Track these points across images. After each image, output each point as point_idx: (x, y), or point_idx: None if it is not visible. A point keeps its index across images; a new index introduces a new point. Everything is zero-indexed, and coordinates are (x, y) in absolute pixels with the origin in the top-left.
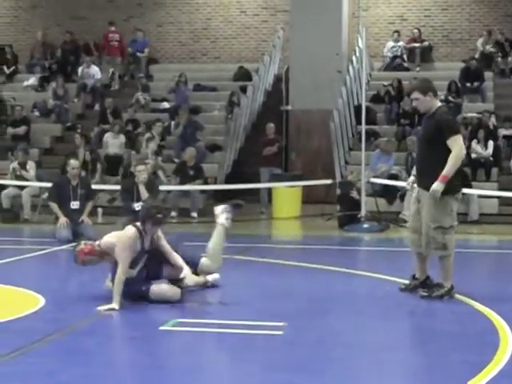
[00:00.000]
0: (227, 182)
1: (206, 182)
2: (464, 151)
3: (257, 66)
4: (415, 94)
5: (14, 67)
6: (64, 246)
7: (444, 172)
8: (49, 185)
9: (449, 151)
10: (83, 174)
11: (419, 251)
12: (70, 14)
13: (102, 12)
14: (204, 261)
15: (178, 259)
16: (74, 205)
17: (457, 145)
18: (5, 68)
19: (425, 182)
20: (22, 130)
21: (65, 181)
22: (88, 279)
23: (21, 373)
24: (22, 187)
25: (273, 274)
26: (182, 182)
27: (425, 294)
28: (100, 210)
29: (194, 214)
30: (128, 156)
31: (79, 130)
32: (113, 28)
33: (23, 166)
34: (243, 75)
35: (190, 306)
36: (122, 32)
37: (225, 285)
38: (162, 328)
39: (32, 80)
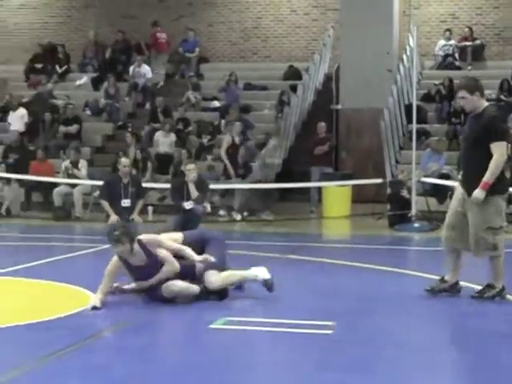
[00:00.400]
0: (277, 181)
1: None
2: (505, 157)
3: (307, 65)
4: (462, 93)
5: (66, 66)
6: None
7: (485, 179)
8: (100, 183)
9: (491, 154)
10: (134, 172)
11: (455, 247)
12: (121, 13)
13: (153, 11)
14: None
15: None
16: (125, 203)
17: (499, 150)
18: (57, 67)
19: (468, 185)
20: (73, 128)
21: (116, 179)
22: None
23: (73, 369)
24: (73, 185)
25: (323, 273)
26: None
27: (476, 294)
28: (150, 209)
29: (245, 213)
30: (178, 155)
31: (130, 129)
32: (158, 28)
33: (75, 164)
34: (293, 74)
35: (240, 304)
36: (172, 31)
37: (275, 283)
38: (211, 326)
39: (84, 79)
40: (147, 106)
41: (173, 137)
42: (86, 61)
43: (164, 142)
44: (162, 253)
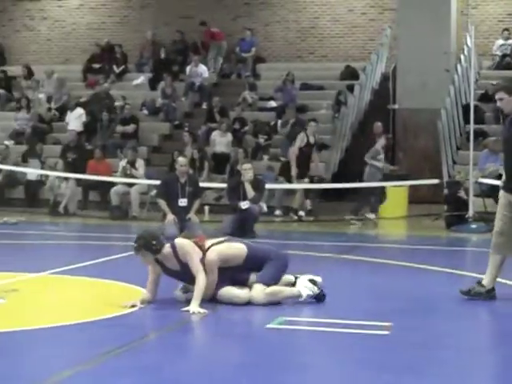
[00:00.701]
0: (334, 181)
1: (311, 181)
2: None
3: (364, 65)
4: (500, 94)
5: (123, 66)
6: None
7: None
8: (157, 182)
9: None
10: (191, 171)
11: (504, 253)
12: (178, 13)
13: (210, 11)
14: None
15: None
16: (182, 202)
17: None
18: (114, 67)
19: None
20: (130, 128)
21: (173, 178)
22: None
23: (130, 368)
24: (130, 184)
25: (379, 273)
26: (287, 181)
27: None
28: (207, 208)
29: (301, 213)
30: (235, 154)
31: (187, 129)
32: (207, 27)
33: (133, 164)
34: (350, 74)
35: (296, 305)
36: (229, 31)
37: (331, 284)
38: (268, 326)
39: (141, 79)
40: (204, 105)
41: (229, 136)
42: (143, 61)
43: (221, 141)
44: (194, 266)
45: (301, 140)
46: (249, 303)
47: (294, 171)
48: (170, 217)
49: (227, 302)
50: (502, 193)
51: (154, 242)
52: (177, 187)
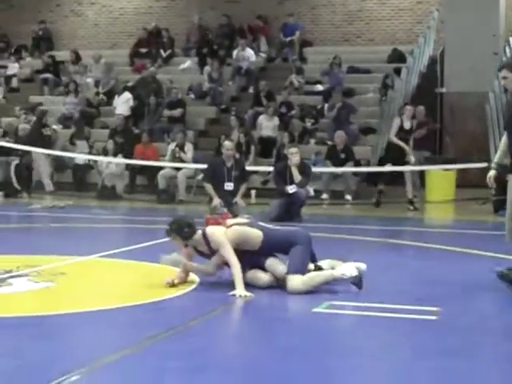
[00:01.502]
0: (380, 164)
1: (358, 164)
2: None
3: (411, 48)
4: (504, 73)
5: (170, 51)
6: None
7: None
8: (204, 166)
9: None
10: (237, 155)
11: None
12: None
13: None
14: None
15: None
16: (228, 186)
17: None
18: (161, 51)
19: None
20: (177, 112)
21: (220, 162)
22: None
23: (176, 351)
24: (177, 168)
25: (425, 258)
26: (333, 165)
27: None
28: (253, 192)
29: (348, 197)
30: (281, 138)
31: (234, 113)
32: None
33: (182, 147)
34: (397, 57)
35: (343, 289)
36: (276, 15)
37: (377, 268)
38: (314, 310)
39: (188, 63)
40: (250, 89)
41: (276, 120)
42: (189, 45)
43: (267, 125)
44: (226, 255)
45: (397, 125)
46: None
47: (408, 150)
48: (216, 201)
49: (249, 284)
50: (510, 176)
51: (186, 230)
52: (223, 171)
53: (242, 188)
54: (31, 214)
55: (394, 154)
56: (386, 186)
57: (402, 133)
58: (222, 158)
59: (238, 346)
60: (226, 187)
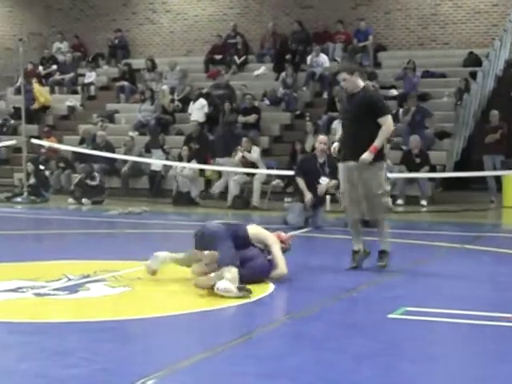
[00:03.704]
0: (456, 169)
1: (433, 169)
2: (392, 128)
3: (487, 51)
4: (343, 75)
5: (244, 57)
6: (295, 232)
7: (375, 144)
8: (277, 172)
9: (375, 127)
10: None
11: (354, 218)
12: (298, 3)
13: (330, 1)
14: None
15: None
16: (323, 181)
17: (388, 122)
18: (236, 58)
19: (359, 155)
20: (252, 118)
21: (312, 158)
22: (319, 266)
23: (251, 357)
24: (251, 174)
25: (503, 263)
26: (408, 170)
27: (380, 264)
28: (328, 198)
29: (424, 202)
30: None
31: (308, 118)
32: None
33: (249, 151)
34: (473, 61)
35: (418, 294)
36: (350, 20)
37: (453, 274)
38: (390, 316)
39: (262, 69)
40: (325, 94)
41: None
42: (263, 51)
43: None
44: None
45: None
46: None
47: None
48: (309, 196)
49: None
50: (342, 168)
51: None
52: (316, 166)
53: (332, 182)
54: (108, 219)
55: None
56: (460, 192)
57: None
58: (315, 153)
59: (311, 352)
60: (321, 181)
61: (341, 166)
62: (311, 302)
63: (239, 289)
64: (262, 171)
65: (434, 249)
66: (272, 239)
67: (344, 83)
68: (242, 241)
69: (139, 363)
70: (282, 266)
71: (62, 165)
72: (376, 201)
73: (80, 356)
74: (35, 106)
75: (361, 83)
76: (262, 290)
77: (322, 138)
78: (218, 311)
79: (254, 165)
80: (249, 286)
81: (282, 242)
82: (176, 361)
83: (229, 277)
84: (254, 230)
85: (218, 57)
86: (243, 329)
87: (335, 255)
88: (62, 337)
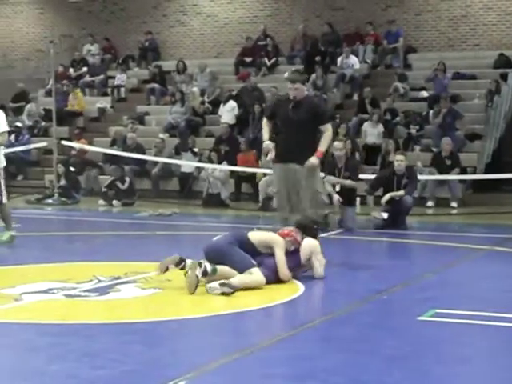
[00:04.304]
0: (486, 171)
1: (464, 171)
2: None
3: None
4: (297, 85)
5: (274, 59)
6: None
7: (320, 149)
8: None
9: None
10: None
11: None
12: (328, 5)
13: (360, 2)
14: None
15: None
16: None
17: (330, 129)
18: (266, 60)
19: (302, 159)
20: None
21: (332, 163)
22: (350, 267)
23: (283, 358)
24: None
25: None
26: (439, 172)
27: None
28: (358, 200)
29: (454, 204)
30: (386, 145)
31: (338, 120)
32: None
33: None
34: (504, 62)
35: (448, 297)
36: (380, 21)
37: (483, 276)
38: (420, 318)
39: None
40: (355, 96)
41: (381, 127)
42: (294, 53)
43: (372, 132)
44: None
45: None
46: None
47: None
48: (336, 197)
49: None
50: (277, 172)
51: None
52: (334, 172)
53: (347, 181)
54: (138, 221)
55: None
56: (491, 194)
57: None
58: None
59: (343, 354)
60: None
61: (278, 166)
62: (341, 304)
63: (221, 285)
64: None
65: (464, 251)
66: (276, 241)
67: (295, 92)
68: (247, 247)
69: (169, 365)
70: (282, 270)
71: (88, 167)
72: (316, 197)
73: (110, 357)
74: (72, 108)
75: (306, 92)
76: (292, 292)
77: (337, 144)
78: (248, 313)
79: None
80: (278, 287)
81: (286, 236)
82: (206, 362)
83: (236, 279)
84: (256, 235)
85: (248, 59)
86: (274, 330)
87: (365, 257)
88: (91, 338)
